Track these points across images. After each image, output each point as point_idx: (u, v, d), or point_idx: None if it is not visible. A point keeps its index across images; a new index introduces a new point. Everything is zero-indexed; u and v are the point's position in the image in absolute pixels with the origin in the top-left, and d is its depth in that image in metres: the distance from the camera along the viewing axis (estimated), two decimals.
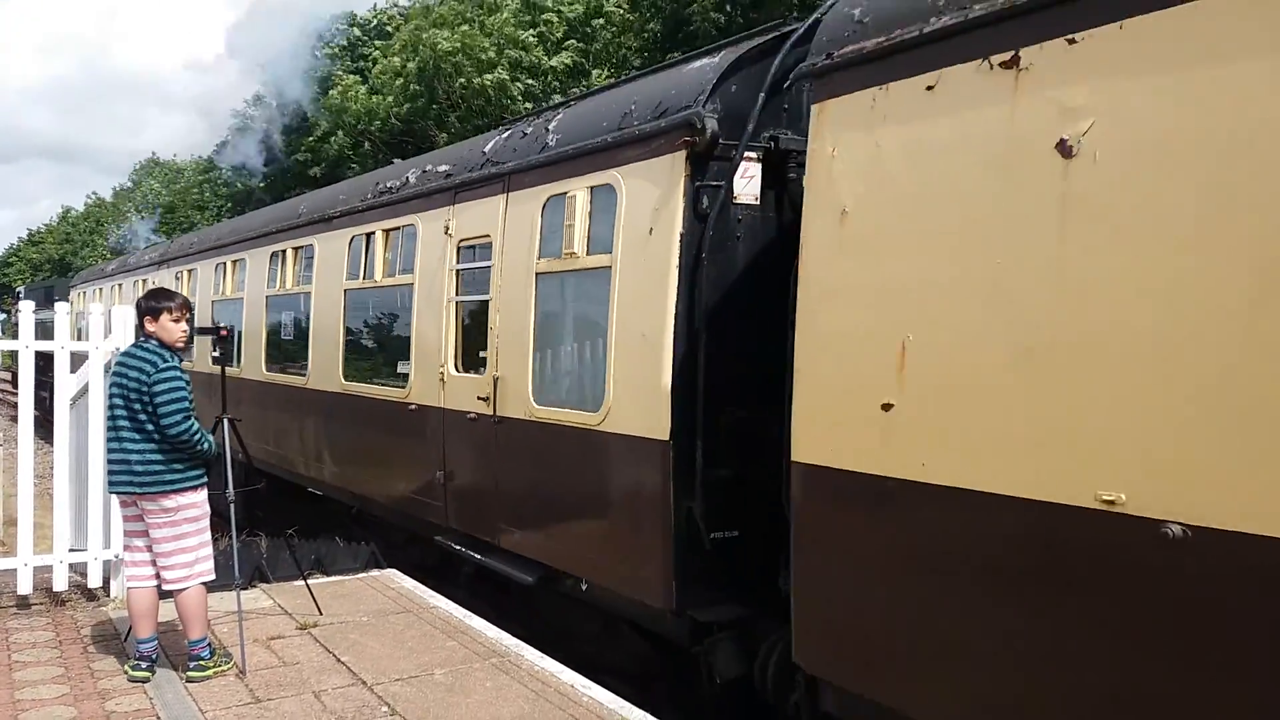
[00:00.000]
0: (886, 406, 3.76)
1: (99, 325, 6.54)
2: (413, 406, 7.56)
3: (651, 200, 5.17)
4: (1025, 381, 3.31)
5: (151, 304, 5.09)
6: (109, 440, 5.04)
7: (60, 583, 6.46)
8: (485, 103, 22.40)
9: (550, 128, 6.41)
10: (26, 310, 6.52)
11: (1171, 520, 2.90)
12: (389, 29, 31.64)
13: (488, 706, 4.76)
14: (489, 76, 22.10)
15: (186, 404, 4.93)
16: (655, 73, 6.22)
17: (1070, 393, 3.19)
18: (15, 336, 6.51)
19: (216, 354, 6.00)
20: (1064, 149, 3.19)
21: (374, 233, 8.49)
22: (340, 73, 29.87)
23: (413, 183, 8.00)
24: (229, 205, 39.20)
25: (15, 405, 7.74)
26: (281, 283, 10.60)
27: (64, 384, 6.62)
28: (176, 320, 5.06)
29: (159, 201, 50.55)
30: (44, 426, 8.88)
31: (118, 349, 6.30)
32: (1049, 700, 3.32)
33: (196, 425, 4.96)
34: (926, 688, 3.73)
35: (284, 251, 10.47)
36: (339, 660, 5.41)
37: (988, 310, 3.44)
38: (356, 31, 34.49)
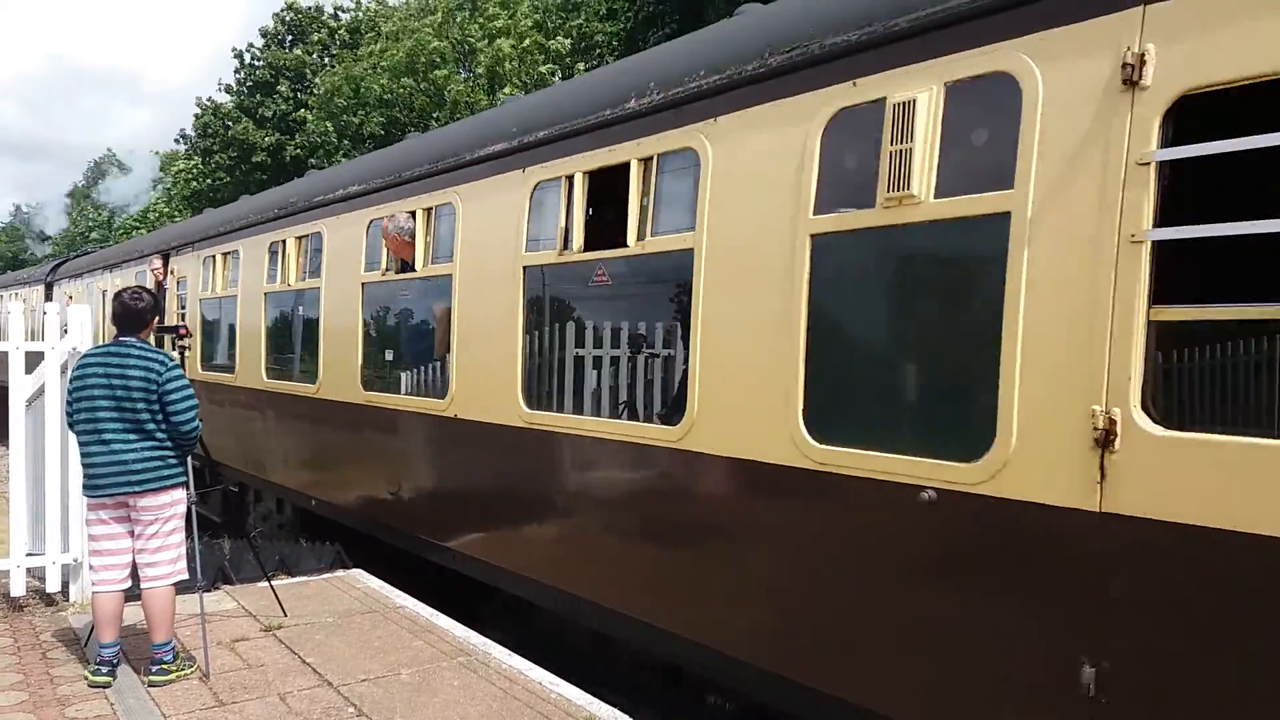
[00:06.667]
0: None
1: (55, 325, 6.42)
2: None
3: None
4: None
5: (154, 304, 5.20)
6: (89, 444, 4.95)
7: (18, 588, 6.35)
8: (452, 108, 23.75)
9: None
10: None
11: None
12: (378, 25, 32.22)
13: (455, 706, 4.75)
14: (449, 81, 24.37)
15: (195, 400, 5.09)
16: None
17: None
18: None
19: (175, 352, 5.98)
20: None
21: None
22: (334, 65, 30.61)
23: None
24: (185, 202, 38.84)
25: None
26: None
27: (19, 385, 6.49)
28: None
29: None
30: (1, 429, 8.71)
31: (75, 349, 6.19)
32: None
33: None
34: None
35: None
36: (304, 661, 5.37)
37: None
38: (345, 34, 34.92)
